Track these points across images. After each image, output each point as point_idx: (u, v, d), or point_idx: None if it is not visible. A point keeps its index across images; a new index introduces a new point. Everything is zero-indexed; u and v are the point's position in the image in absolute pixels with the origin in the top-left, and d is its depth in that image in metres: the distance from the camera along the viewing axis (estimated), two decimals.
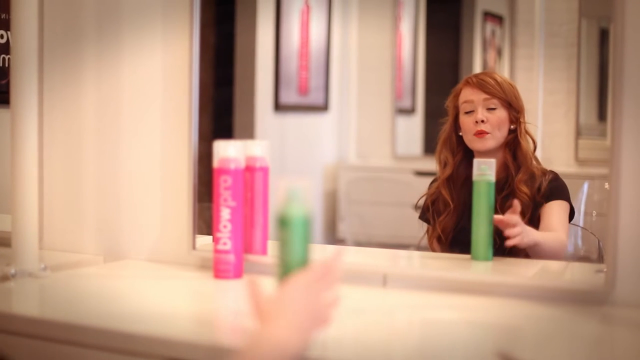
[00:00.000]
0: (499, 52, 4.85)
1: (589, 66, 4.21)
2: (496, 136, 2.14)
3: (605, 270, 1.55)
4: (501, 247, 2.07)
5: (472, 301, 1.60)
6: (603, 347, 1.39)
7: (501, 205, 2.08)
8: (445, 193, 2.18)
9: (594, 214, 2.26)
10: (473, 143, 2.16)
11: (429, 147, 5.04)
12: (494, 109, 2.15)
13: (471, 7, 4.97)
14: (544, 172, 2.15)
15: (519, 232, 1.88)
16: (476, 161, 1.94)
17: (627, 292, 1.53)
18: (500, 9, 4.81)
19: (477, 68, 4.86)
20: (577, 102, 4.11)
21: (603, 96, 4.18)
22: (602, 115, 4.21)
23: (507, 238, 1.90)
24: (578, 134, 4.09)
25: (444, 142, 2.23)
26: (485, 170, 1.92)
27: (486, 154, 2.14)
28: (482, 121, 2.13)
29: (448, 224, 2.16)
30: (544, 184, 2.12)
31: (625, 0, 1.53)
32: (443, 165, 2.22)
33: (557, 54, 4.24)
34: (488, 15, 4.94)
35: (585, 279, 1.78)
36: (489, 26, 4.91)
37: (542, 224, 2.08)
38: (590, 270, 1.89)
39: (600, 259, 2.19)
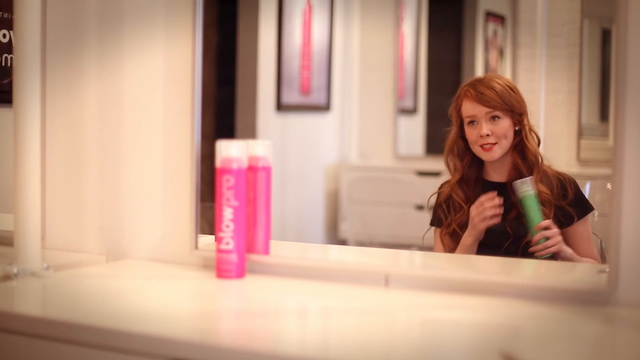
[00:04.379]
0: (501, 52, 4.85)
1: (591, 66, 4.21)
2: (503, 145, 2.16)
3: (607, 270, 1.55)
4: (514, 245, 2.09)
5: (474, 301, 1.60)
6: (605, 347, 1.39)
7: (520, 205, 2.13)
8: (457, 196, 2.20)
9: (596, 215, 2.27)
10: (481, 154, 2.19)
11: (431, 147, 5.04)
12: (497, 118, 2.16)
13: (473, 7, 4.97)
14: (558, 173, 2.18)
15: (558, 239, 2.07)
16: (515, 184, 2.09)
17: (629, 293, 1.53)
18: (502, 9, 4.81)
19: (479, 68, 4.86)
20: (579, 102, 4.11)
21: (605, 96, 4.18)
22: (604, 116, 4.21)
23: (523, 236, 2.09)
24: (580, 134, 4.09)
25: (450, 148, 2.24)
26: (525, 188, 2.07)
27: (495, 161, 2.17)
28: (488, 134, 2.14)
29: (463, 221, 2.18)
30: (569, 189, 2.15)
31: (628, 0, 1.53)
32: (453, 170, 2.24)
33: (559, 54, 4.24)
34: (490, 15, 4.94)
35: (588, 279, 1.78)
36: (491, 26, 4.91)
37: (575, 247, 2.13)
38: (593, 271, 1.89)
39: (602, 259, 2.20)
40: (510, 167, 2.18)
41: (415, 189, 4.53)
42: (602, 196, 2.57)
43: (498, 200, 2.09)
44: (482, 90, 2.17)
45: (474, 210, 2.12)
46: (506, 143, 2.16)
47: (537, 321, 1.49)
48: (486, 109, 2.16)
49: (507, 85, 2.19)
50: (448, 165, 2.26)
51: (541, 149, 2.22)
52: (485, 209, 2.09)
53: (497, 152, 2.16)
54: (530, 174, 2.15)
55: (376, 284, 1.72)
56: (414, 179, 4.60)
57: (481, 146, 2.16)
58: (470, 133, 2.18)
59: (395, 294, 1.68)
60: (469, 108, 2.18)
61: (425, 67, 5.07)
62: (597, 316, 1.51)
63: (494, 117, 2.16)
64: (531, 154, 2.17)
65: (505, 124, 2.16)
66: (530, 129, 2.18)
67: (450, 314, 1.54)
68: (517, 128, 2.18)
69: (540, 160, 2.17)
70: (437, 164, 4.51)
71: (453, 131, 2.24)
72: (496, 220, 2.10)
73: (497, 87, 2.17)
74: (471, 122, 2.18)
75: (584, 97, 4.14)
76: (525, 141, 2.17)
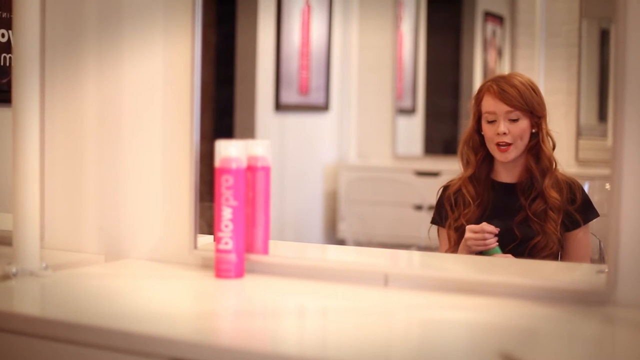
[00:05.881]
0: (500, 53, 4.85)
1: (590, 66, 4.22)
2: (518, 146, 2.16)
3: (606, 270, 1.55)
4: (520, 247, 2.10)
5: (473, 301, 1.60)
6: (604, 347, 1.39)
7: (529, 207, 2.15)
8: (467, 191, 2.20)
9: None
10: (495, 153, 2.18)
11: (430, 147, 5.05)
12: (516, 120, 2.15)
13: (472, 7, 4.97)
14: (568, 178, 2.19)
15: None
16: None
17: (628, 293, 1.53)
18: (501, 9, 4.82)
19: (478, 68, 4.86)
20: (578, 103, 4.12)
21: (603, 96, 4.19)
22: (602, 116, 4.22)
23: (531, 239, 2.12)
24: (578, 134, 4.09)
25: (466, 141, 2.24)
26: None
27: (507, 162, 2.17)
28: (505, 133, 2.14)
29: (472, 217, 2.17)
30: (578, 195, 2.15)
31: (627, 1, 1.53)
32: (466, 163, 2.23)
33: (558, 54, 4.24)
34: (489, 16, 4.95)
35: (587, 279, 1.78)
36: (490, 26, 4.92)
37: (572, 252, 2.14)
38: (592, 271, 1.89)
39: (601, 259, 2.20)
40: (522, 168, 2.18)
41: (413, 189, 4.53)
42: (600, 196, 2.57)
43: (496, 230, 2.12)
44: (504, 88, 2.16)
45: (471, 233, 2.11)
46: (521, 144, 2.16)
47: (536, 321, 1.49)
48: (507, 108, 2.15)
49: (530, 86, 2.18)
50: (462, 159, 2.25)
51: None
52: (486, 239, 2.10)
53: (512, 153, 2.16)
54: (543, 177, 2.15)
55: (375, 284, 1.72)
56: (412, 179, 4.60)
57: (497, 144, 2.16)
58: (488, 129, 2.18)
59: (395, 294, 1.68)
60: (490, 104, 2.17)
61: (423, 67, 5.07)
62: (596, 316, 1.51)
63: (512, 117, 2.15)
64: (546, 158, 2.16)
65: (523, 125, 2.16)
66: (547, 133, 2.18)
67: (450, 314, 1.54)
68: (534, 130, 2.17)
69: (554, 166, 2.17)
70: (436, 164, 4.54)
71: (470, 125, 2.24)
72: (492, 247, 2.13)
73: (520, 86, 2.16)
74: (489, 120, 2.18)
75: (583, 97, 4.15)
76: (542, 144, 2.17)
